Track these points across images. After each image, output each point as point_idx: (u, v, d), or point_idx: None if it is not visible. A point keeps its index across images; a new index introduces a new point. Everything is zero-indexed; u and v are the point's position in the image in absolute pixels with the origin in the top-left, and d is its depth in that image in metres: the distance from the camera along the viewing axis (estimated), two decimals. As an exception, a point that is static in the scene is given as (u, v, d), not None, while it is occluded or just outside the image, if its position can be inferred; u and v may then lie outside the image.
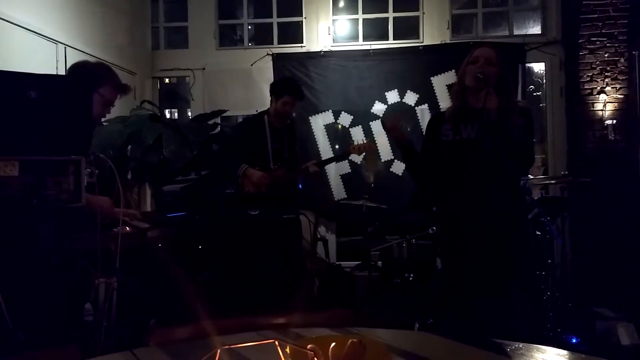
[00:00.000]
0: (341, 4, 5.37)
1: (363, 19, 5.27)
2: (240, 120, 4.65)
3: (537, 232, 3.61)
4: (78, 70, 2.42)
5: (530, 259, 3.32)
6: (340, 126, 5.06)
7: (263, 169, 3.67)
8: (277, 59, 5.06)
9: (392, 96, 5.00)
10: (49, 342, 1.71)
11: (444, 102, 4.80)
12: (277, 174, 3.69)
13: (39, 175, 1.76)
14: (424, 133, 2.67)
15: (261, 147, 3.72)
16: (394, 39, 5.21)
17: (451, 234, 2.47)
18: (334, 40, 5.26)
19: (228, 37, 5.69)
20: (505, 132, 2.23)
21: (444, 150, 2.39)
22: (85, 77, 2.34)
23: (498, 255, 2.24)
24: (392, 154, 4.96)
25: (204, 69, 5.25)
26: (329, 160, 4.38)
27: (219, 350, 0.82)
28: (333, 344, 0.84)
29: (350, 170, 5.01)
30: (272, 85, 3.82)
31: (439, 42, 5.05)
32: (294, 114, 4.11)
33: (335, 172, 5.01)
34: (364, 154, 4.94)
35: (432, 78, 4.92)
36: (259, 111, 3.94)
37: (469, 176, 2.33)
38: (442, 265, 2.69)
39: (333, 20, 5.26)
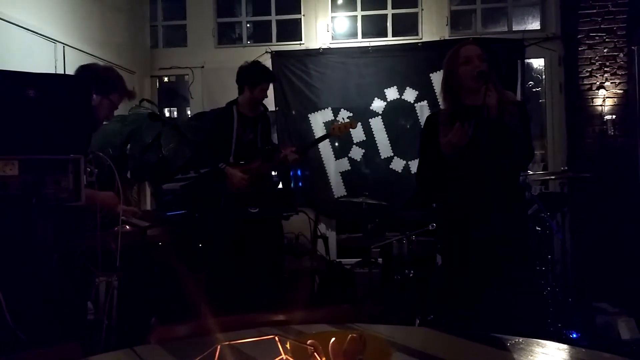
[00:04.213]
0: (340, 1, 5.36)
1: (362, 16, 5.27)
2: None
3: (537, 228, 3.61)
4: (88, 74, 2.42)
5: (530, 255, 3.32)
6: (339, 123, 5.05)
7: (226, 161, 3.53)
8: (276, 56, 5.06)
9: (391, 93, 5.00)
10: (49, 341, 1.71)
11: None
12: (253, 167, 3.53)
13: (38, 174, 1.76)
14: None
15: (227, 139, 3.54)
16: (392, 36, 5.21)
17: (452, 231, 2.46)
18: (332, 38, 5.25)
19: (227, 35, 5.68)
20: (504, 126, 2.22)
21: (444, 157, 2.36)
22: (97, 82, 2.35)
23: (499, 252, 2.24)
24: (391, 150, 4.97)
25: (202, 67, 5.24)
26: (311, 145, 4.26)
27: (219, 347, 0.82)
28: (333, 339, 0.84)
29: (350, 168, 5.01)
30: (243, 75, 3.56)
31: (438, 39, 5.05)
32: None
33: (334, 169, 5.01)
34: (363, 151, 4.97)
35: (431, 75, 4.92)
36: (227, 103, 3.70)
37: (469, 174, 2.33)
38: (443, 261, 2.68)
39: (332, 17, 5.26)
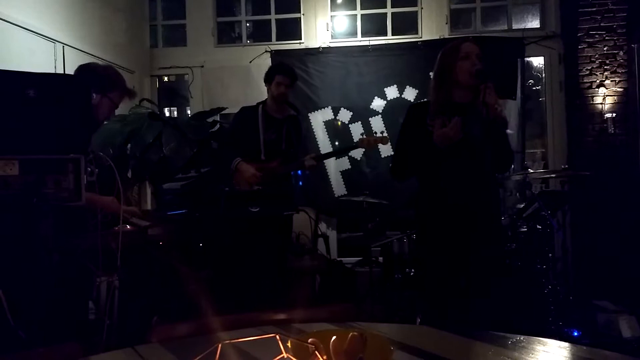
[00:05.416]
0: (339, 0, 5.36)
1: (361, 15, 5.26)
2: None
3: (538, 226, 3.61)
4: (87, 73, 2.42)
5: (503, 251, 3.34)
6: (339, 122, 5.06)
7: (254, 159, 3.57)
8: (276, 55, 5.06)
9: (391, 92, 5.00)
10: (50, 340, 1.71)
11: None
12: (270, 166, 3.57)
13: (38, 174, 1.76)
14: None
15: (253, 137, 3.60)
16: (392, 35, 5.21)
17: (431, 227, 2.44)
18: (332, 37, 5.25)
19: (226, 35, 5.68)
20: (497, 126, 2.24)
21: (429, 142, 2.34)
22: (97, 81, 2.35)
23: (478, 249, 2.26)
24: (391, 149, 4.96)
25: (202, 66, 5.24)
26: (330, 155, 4.32)
27: (220, 345, 0.82)
28: (334, 337, 0.84)
29: (350, 167, 5.01)
30: (265, 75, 3.70)
31: (438, 37, 5.05)
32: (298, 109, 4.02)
33: (335, 168, 5.01)
34: (363, 150, 4.97)
35: (431, 73, 4.83)
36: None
37: (451, 169, 2.33)
38: (423, 259, 2.60)
39: (331, 16, 5.26)
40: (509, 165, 2.55)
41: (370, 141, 3.88)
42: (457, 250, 2.31)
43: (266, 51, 5.08)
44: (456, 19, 5.30)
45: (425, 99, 4.81)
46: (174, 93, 5.96)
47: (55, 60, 3.70)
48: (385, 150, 4.97)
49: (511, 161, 2.51)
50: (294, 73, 3.72)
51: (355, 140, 4.90)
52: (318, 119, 5.03)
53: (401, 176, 2.54)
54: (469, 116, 2.24)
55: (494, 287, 2.31)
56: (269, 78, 3.64)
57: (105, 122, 2.89)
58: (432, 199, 2.41)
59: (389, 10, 5.22)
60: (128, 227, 2.43)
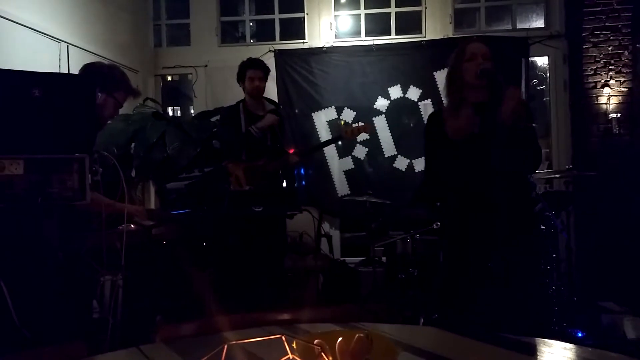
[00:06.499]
0: (343, 0, 5.36)
1: (365, 15, 5.26)
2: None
3: (542, 227, 3.60)
4: (92, 72, 2.42)
5: (536, 253, 3.31)
6: (343, 122, 5.05)
7: (239, 158, 3.57)
8: (279, 55, 5.06)
9: (395, 91, 4.99)
10: (54, 339, 1.71)
11: (447, 97, 4.79)
12: (257, 164, 3.55)
13: (43, 173, 1.76)
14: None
15: (236, 136, 3.58)
16: (396, 34, 5.20)
17: (456, 230, 2.44)
18: (336, 36, 5.25)
19: (230, 34, 5.68)
20: (516, 129, 2.22)
21: (453, 146, 2.35)
22: (102, 80, 2.36)
23: (503, 251, 2.23)
24: (395, 149, 4.96)
25: (206, 66, 5.25)
26: (318, 147, 4.30)
27: (226, 346, 0.82)
28: (340, 338, 0.84)
29: (353, 166, 5.01)
30: (237, 75, 3.64)
31: (442, 37, 5.04)
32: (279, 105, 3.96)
33: (338, 168, 5.01)
34: (366, 149, 4.97)
35: (434, 73, 4.91)
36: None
37: (475, 170, 2.32)
38: (445, 260, 2.63)
39: (335, 15, 5.26)
40: (536, 163, 2.50)
41: (354, 131, 3.87)
42: (485, 252, 2.28)
43: (270, 51, 5.08)
44: (460, 18, 5.29)
45: (429, 99, 4.88)
46: (177, 92, 5.97)
47: (59, 59, 3.71)
48: (388, 150, 4.97)
49: (539, 159, 2.45)
50: (265, 65, 3.67)
51: (358, 140, 4.91)
52: (321, 119, 5.03)
53: (435, 181, 2.54)
54: (486, 115, 2.23)
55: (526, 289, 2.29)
56: (241, 76, 3.59)
57: (109, 122, 2.90)
58: (457, 200, 2.41)
59: (392, 10, 5.22)
60: (132, 226, 2.44)
